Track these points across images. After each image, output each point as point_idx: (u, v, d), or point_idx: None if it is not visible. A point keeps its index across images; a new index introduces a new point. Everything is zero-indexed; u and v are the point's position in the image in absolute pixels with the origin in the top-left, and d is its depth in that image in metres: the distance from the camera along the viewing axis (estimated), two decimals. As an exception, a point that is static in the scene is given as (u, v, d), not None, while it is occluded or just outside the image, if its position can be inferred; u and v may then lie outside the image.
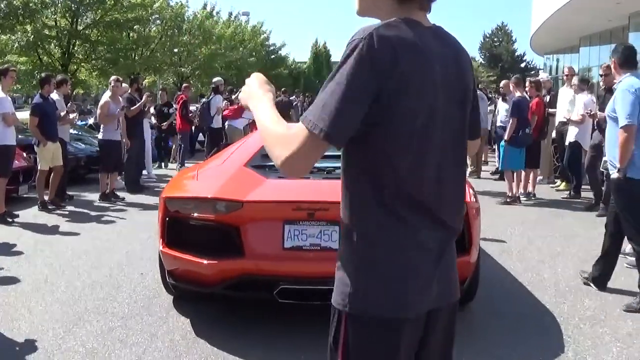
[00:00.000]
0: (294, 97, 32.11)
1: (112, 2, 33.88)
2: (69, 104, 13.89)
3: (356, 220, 2.35)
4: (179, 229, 6.16)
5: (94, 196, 14.12)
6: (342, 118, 2.14)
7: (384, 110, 2.19)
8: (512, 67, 75.76)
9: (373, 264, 2.30)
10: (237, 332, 6.08)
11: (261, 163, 6.88)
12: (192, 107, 21.65)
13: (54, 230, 10.88)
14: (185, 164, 18.38)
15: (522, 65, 78.50)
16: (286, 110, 26.49)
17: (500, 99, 17.40)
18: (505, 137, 13.69)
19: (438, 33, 2.42)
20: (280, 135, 2.24)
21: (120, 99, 14.44)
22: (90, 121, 19.34)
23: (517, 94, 14.14)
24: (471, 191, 6.63)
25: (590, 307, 6.96)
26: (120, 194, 14.29)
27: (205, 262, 5.84)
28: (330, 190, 5.92)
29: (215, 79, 20.50)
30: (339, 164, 6.44)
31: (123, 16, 34.63)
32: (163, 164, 19.87)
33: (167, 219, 6.21)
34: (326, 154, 6.22)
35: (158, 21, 40.10)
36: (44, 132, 12.34)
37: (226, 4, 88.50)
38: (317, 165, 7.11)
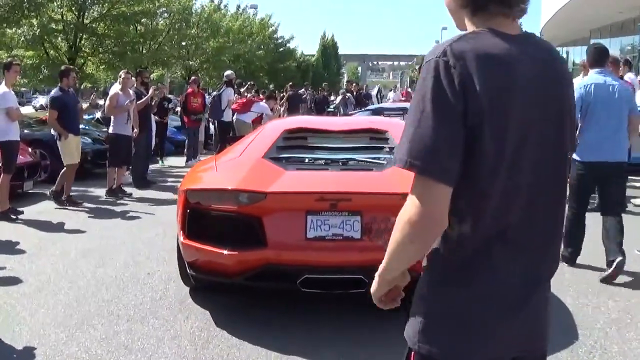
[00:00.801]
0: (302, 90, 31.85)
1: (119, -5, 33.69)
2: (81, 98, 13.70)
3: (435, 253, 2.22)
4: (200, 220, 6.15)
5: (100, 192, 13.75)
6: (443, 146, 2.00)
7: (470, 132, 2.03)
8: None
9: (446, 303, 2.19)
10: (248, 337, 5.79)
11: (278, 155, 6.91)
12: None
13: (59, 227, 10.45)
14: (192, 161, 18.23)
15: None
16: (296, 104, 26.24)
17: None
18: None
19: (528, 41, 2.23)
20: (400, 220, 2.11)
21: (130, 92, 14.14)
22: (98, 115, 18.99)
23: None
24: None
25: (614, 308, 6.58)
26: (127, 189, 13.94)
27: (228, 252, 5.85)
28: (352, 180, 6.26)
29: (227, 72, 20.30)
30: (354, 155, 6.36)
31: (130, 9, 34.62)
32: (160, 160, 19.34)
33: (188, 210, 6.19)
34: (342, 145, 6.12)
35: (165, 14, 40.31)
36: (64, 126, 12.12)
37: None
38: (332, 156, 7.15)
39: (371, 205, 5.88)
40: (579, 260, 8.10)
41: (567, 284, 7.34)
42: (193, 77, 22.29)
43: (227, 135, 17.50)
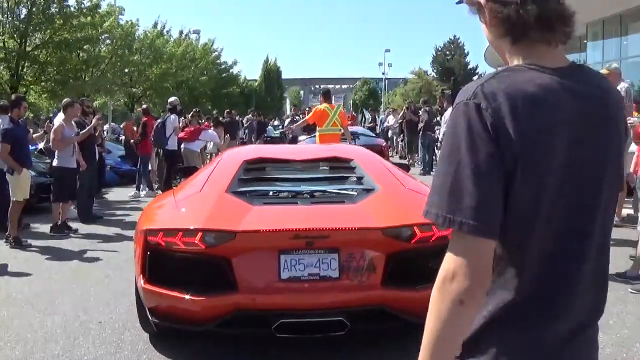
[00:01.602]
0: (249, 115, 31.89)
1: (61, 21, 33.52)
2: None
3: None
4: (162, 263, 5.68)
5: (45, 227, 13.03)
6: (484, 198, 1.82)
7: (508, 180, 1.86)
8: (465, 80, 75.57)
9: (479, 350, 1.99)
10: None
11: (241, 189, 6.50)
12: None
13: (2, 270, 9.58)
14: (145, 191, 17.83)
15: (475, 78, 78.62)
16: (233, 130, 25.97)
17: None
18: None
19: (573, 74, 2.00)
20: (441, 285, 1.86)
21: (74, 123, 13.50)
22: (41, 145, 18.17)
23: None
24: None
25: (607, 343, 6.18)
26: (73, 224, 13.21)
27: (194, 298, 5.41)
28: (326, 215, 5.82)
29: (171, 99, 19.63)
30: (321, 187, 5.92)
31: (72, 36, 34.26)
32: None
33: (148, 252, 5.68)
34: (306, 176, 5.69)
35: (108, 40, 40.05)
36: (17, 159, 11.49)
37: (177, 23, 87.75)
38: (297, 189, 6.67)
39: (349, 241, 5.51)
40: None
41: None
42: (145, 106, 21.71)
43: (174, 165, 17.11)
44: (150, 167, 19.25)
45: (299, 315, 5.45)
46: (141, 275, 5.71)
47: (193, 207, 6.22)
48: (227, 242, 5.42)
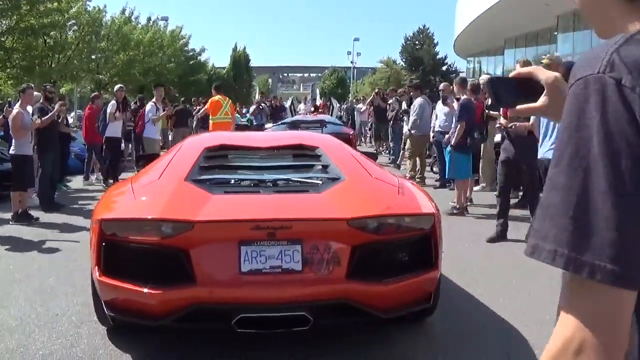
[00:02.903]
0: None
1: (28, 7, 33.09)
2: None
3: None
4: (117, 254, 5.45)
5: (6, 216, 12.67)
6: (631, 231, 1.18)
7: None
8: (434, 70, 76.15)
9: None
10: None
11: (201, 177, 6.25)
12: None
13: None
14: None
15: (444, 68, 78.88)
16: (184, 119, 26.06)
17: (441, 101, 16.42)
18: (452, 143, 12.76)
19: None
20: (560, 354, 1.25)
21: (30, 108, 13.24)
22: (-1, 133, 17.80)
23: (463, 95, 13.16)
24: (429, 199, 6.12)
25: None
26: (35, 213, 12.88)
27: (150, 291, 5.15)
28: (289, 205, 5.64)
29: (116, 87, 19.74)
30: (285, 175, 5.74)
31: (39, 22, 33.94)
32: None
33: (103, 243, 5.41)
34: (270, 164, 5.37)
35: (75, 27, 39.44)
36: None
37: (145, 9, 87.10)
38: (260, 177, 6.41)
39: (313, 232, 5.30)
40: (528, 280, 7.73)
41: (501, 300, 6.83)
42: (94, 94, 21.41)
43: (113, 153, 17.63)
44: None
45: (260, 309, 5.29)
46: (96, 267, 5.45)
47: (150, 195, 5.99)
48: (184, 232, 5.19)
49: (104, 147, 18.02)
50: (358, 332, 6.20)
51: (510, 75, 1.75)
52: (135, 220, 5.43)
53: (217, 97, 17.72)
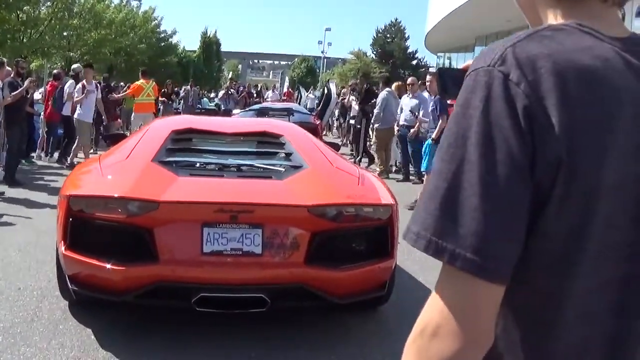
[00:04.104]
0: (187, 86, 31.60)
1: (2, -19, 32.39)
2: None
3: None
4: (83, 230, 5.58)
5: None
6: (497, 223, 1.20)
7: (535, 195, 1.23)
8: (404, 64, 76.45)
9: None
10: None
11: (167, 158, 6.43)
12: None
13: None
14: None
15: (414, 62, 79.07)
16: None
17: (409, 95, 16.58)
18: (433, 136, 12.73)
19: (634, 47, 1.35)
20: (419, 336, 1.28)
21: (0, 83, 13.18)
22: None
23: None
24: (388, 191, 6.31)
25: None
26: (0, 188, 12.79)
27: (114, 267, 5.31)
28: (252, 190, 5.85)
29: (74, 66, 19.87)
30: (248, 161, 5.91)
31: (12, -5, 33.08)
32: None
33: (70, 219, 5.53)
34: (234, 149, 5.64)
35: (48, 2, 38.89)
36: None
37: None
38: (224, 161, 6.61)
39: (274, 217, 5.51)
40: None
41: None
42: (55, 71, 21.16)
43: (69, 132, 17.40)
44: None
45: (220, 289, 5.44)
46: (62, 242, 5.57)
47: (118, 174, 6.13)
48: (150, 212, 5.35)
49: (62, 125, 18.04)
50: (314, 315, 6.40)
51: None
52: (103, 198, 5.55)
53: (139, 82, 20.30)
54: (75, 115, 16.95)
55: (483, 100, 1.23)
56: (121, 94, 22.51)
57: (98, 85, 18.99)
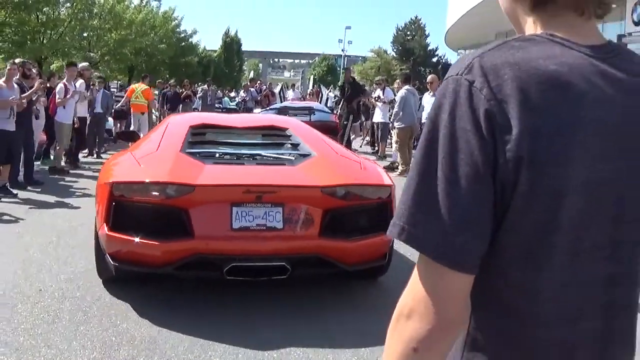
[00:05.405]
0: (204, 86, 31.72)
1: (21, -18, 32.78)
2: None
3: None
4: (125, 212, 6.29)
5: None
6: (462, 216, 1.34)
7: (499, 194, 1.36)
8: (424, 62, 76.19)
9: None
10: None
11: (192, 150, 7.29)
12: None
13: None
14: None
15: (434, 60, 78.67)
16: (175, 105, 26.09)
17: (430, 93, 17.10)
18: None
19: (610, 55, 1.46)
20: (398, 319, 1.45)
21: (15, 85, 12.87)
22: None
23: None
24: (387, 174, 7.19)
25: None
26: (14, 189, 12.59)
27: (155, 243, 6.09)
28: (273, 174, 6.74)
29: (80, 65, 18.85)
30: (260, 151, 7.08)
31: (32, -4, 33.47)
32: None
33: (113, 203, 6.27)
34: (246, 141, 7.28)
35: (68, 3, 39.38)
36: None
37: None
38: (239, 152, 7.65)
39: (292, 197, 6.33)
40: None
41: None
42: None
43: (80, 133, 17.33)
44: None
45: (248, 259, 6.25)
46: (105, 224, 6.26)
47: (153, 164, 6.85)
48: (186, 194, 6.12)
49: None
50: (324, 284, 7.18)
51: None
52: (144, 183, 6.26)
53: (133, 85, 23.71)
54: (56, 117, 15.92)
55: (450, 105, 1.37)
56: (123, 100, 23.83)
57: (92, 85, 19.42)
